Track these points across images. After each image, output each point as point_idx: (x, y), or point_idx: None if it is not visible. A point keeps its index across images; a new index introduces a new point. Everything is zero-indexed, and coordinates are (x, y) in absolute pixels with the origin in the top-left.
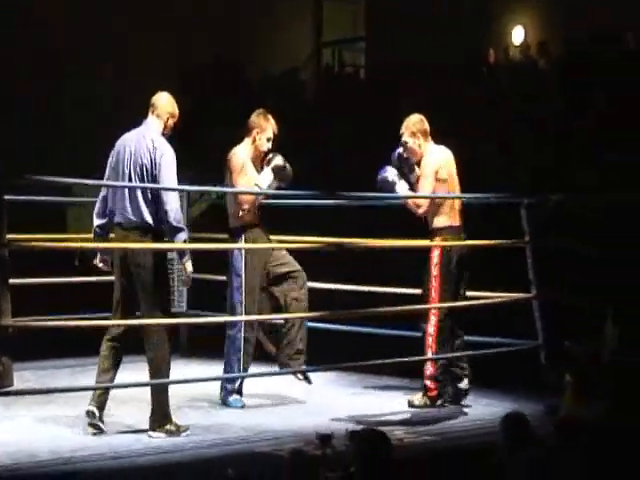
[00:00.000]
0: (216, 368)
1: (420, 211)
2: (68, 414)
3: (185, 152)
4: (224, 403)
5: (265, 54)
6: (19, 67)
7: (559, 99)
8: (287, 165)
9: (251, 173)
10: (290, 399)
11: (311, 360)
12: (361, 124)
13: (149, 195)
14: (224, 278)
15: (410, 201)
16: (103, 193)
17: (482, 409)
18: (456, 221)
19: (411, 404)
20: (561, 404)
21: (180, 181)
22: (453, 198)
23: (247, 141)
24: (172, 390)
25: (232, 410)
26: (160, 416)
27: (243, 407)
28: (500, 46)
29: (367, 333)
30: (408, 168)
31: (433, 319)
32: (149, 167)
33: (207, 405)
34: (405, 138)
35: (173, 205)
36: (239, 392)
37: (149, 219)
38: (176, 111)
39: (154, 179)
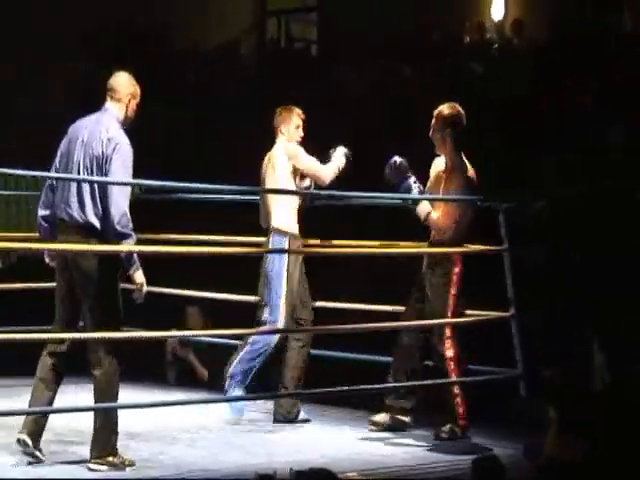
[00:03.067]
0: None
1: (445, 236)
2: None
3: None
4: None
5: (197, 22)
6: None
7: (528, 86)
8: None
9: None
10: (228, 432)
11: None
12: (312, 108)
13: (97, 192)
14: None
15: (433, 220)
16: (49, 182)
17: (450, 449)
18: None
19: (438, 436)
20: (543, 444)
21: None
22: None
23: (280, 140)
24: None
25: (178, 443)
26: (103, 446)
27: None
28: (476, 21)
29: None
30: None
31: (449, 341)
32: (100, 160)
33: (156, 436)
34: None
35: (120, 206)
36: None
37: (93, 220)
38: (137, 90)
39: (104, 174)
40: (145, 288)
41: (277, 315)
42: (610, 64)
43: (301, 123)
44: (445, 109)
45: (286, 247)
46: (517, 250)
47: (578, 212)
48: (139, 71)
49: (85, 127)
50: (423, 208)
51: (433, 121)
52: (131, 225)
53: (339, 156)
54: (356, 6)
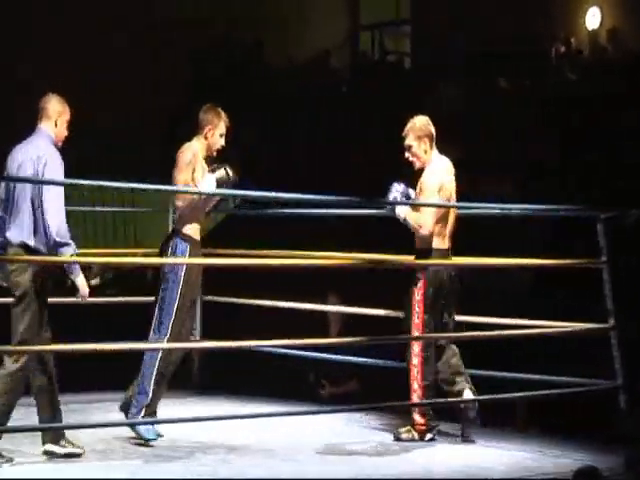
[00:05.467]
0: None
1: (423, 232)
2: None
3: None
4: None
5: (290, 36)
6: None
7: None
8: (232, 177)
9: (198, 174)
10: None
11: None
12: (404, 122)
13: (33, 210)
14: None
15: (411, 220)
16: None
17: (549, 461)
18: (444, 244)
19: (397, 437)
20: None
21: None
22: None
23: (198, 139)
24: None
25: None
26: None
27: (155, 439)
28: (570, 31)
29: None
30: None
31: (416, 349)
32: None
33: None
34: (409, 141)
35: (55, 217)
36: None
37: (28, 239)
38: (66, 110)
39: (39, 192)
40: (86, 292)
41: None
42: None
43: (225, 132)
44: None
45: None
46: (616, 261)
47: None
48: (233, 89)
49: (19, 151)
50: None
51: None
52: (69, 234)
53: (210, 180)
54: (452, 16)
